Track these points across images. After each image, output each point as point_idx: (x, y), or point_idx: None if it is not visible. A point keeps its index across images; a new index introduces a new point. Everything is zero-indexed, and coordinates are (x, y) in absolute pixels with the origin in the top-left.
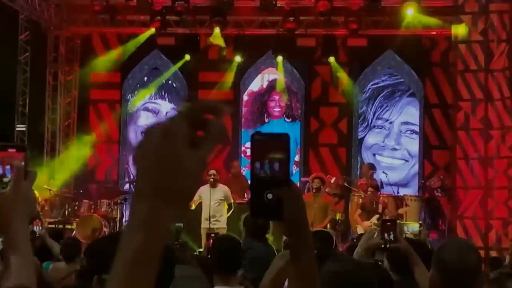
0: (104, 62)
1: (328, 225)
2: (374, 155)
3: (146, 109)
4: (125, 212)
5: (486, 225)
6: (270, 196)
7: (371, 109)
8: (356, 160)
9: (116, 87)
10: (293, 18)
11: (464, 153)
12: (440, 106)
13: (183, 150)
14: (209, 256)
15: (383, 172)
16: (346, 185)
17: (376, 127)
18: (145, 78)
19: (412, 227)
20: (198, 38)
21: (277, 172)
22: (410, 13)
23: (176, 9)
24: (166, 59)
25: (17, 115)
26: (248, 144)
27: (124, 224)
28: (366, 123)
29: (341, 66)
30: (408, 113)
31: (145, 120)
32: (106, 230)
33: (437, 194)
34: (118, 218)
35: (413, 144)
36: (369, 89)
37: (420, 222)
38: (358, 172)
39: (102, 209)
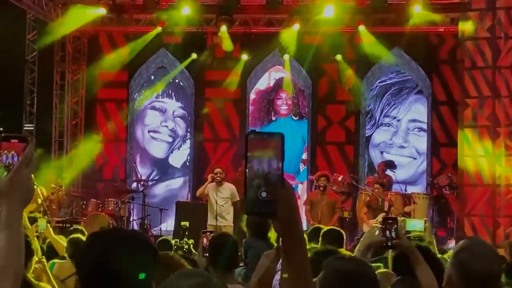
0: (111, 61)
1: (336, 223)
2: (381, 153)
3: (153, 108)
4: (133, 210)
5: (494, 223)
6: (264, 194)
7: (378, 106)
8: (364, 158)
9: (123, 86)
10: (299, 16)
11: (472, 151)
12: (448, 103)
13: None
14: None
15: (391, 170)
16: (354, 183)
17: (384, 124)
18: (152, 77)
19: (416, 224)
20: (205, 37)
21: (271, 171)
22: (417, 11)
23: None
24: (173, 58)
25: (25, 114)
26: None
27: (131, 222)
28: (373, 121)
29: (348, 63)
30: (415, 110)
31: (152, 118)
32: None
33: (445, 191)
34: (125, 217)
35: (421, 142)
36: (376, 86)
37: (425, 219)
38: (366, 170)
39: (110, 208)
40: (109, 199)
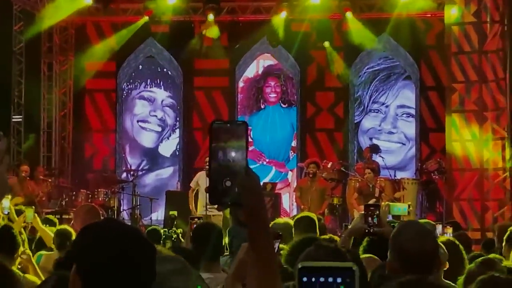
0: (99, 51)
1: (326, 210)
2: (370, 139)
3: (142, 98)
4: (123, 201)
5: (482, 207)
6: (228, 183)
7: (367, 93)
8: (353, 145)
9: (111, 76)
10: (287, 3)
11: (459, 135)
12: (436, 88)
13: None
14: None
15: (380, 156)
16: (343, 169)
17: (372, 111)
18: (140, 67)
19: (401, 208)
20: (192, 25)
21: (235, 160)
22: None
23: None
24: (161, 47)
25: (13, 106)
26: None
27: (121, 212)
28: (362, 107)
29: (336, 50)
30: (404, 96)
31: (141, 108)
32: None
33: (434, 176)
34: (115, 207)
35: (409, 127)
36: (364, 73)
37: (409, 203)
38: (355, 156)
39: (100, 198)
40: (99, 190)
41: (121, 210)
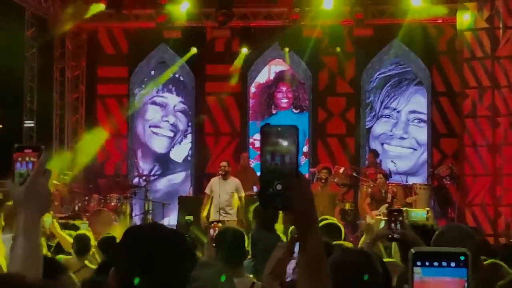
0: (111, 56)
1: (338, 216)
2: (382, 144)
3: (154, 103)
4: (135, 206)
5: (495, 212)
6: (279, 187)
7: (378, 98)
8: (365, 150)
9: (123, 82)
10: (299, 9)
11: (472, 141)
12: (447, 94)
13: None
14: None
15: (392, 161)
16: (355, 174)
17: (384, 116)
18: (152, 72)
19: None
20: (204, 31)
21: (286, 163)
22: (416, 2)
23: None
24: (173, 53)
25: (25, 111)
26: (256, 136)
27: (134, 217)
28: (373, 112)
29: (347, 56)
30: (415, 101)
31: (153, 113)
32: (116, 224)
33: (446, 182)
34: (128, 212)
35: (421, 133)
36: (376, 78)
37: (428, 208)
38: (367, 162)
39: (112, 204)
40: (111, 195)
41: (133, 215)
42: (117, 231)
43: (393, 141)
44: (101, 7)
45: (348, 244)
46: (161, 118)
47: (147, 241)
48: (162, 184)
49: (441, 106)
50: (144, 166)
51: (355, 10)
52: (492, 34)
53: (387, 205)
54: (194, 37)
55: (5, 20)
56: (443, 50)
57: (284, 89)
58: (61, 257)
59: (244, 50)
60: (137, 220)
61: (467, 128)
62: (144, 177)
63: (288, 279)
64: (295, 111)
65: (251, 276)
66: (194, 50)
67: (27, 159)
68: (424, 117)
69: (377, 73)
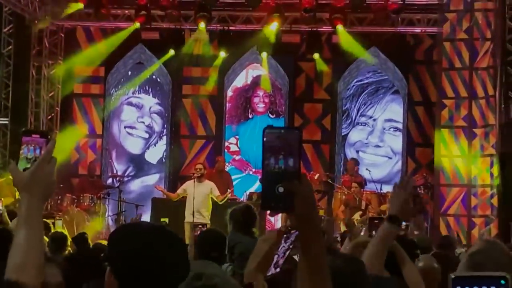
0: (88, 56)
1: None
2: (357, 152)
3: (130, 104)
4: (108, 206)
5: (469, 223)
6: (281, 189)
7: (355, 106)
8: (340, 157)
9: (100, 82)
10: (278, 14)
11: (448, 151)
12: (423, 103)
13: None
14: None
15: (367, 169)
16: (330, 181)
17: (360, 124)
18: (129, 73)
19: None
20: (182, 33)
21: (288, 166)
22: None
23: (161, 4)
24: (151, 54)
25: (0, 108)
26: (231, 140)
27: (107, 218)
28: (349, 120)
29: (325, 62)
30: (391, 110)
31: (128, 114)
32: (88, 224)
33: (420, 191)
34: (101, 212)
35: (396, 141)
36: (353, 86)
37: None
38: (341, 169)
39: (85, 203)
40: (85, 195)
41: (107, 215)
42: (89, 231)
43: (369, 149)
44: (80, 6)
45: None
46: (137, 119)
47: (140, 236)
48: (136, 185)
49: (417, 115)
50: (119, 166)
51: (334, 17)
52: (471, 45)
53: (361, 212)
54: (172, 39)
55: None
56: (420, 60)
57: (260, 94)
58: None
59: (222, 54)
60: (110, 221)
61: (444, 138)
62: (118, 178)
63: (269, 274)
64: (271, 116)
65: None
66: (171, 52)
67: (34, 145)
68: (400, 125)
69: (354, 81)
